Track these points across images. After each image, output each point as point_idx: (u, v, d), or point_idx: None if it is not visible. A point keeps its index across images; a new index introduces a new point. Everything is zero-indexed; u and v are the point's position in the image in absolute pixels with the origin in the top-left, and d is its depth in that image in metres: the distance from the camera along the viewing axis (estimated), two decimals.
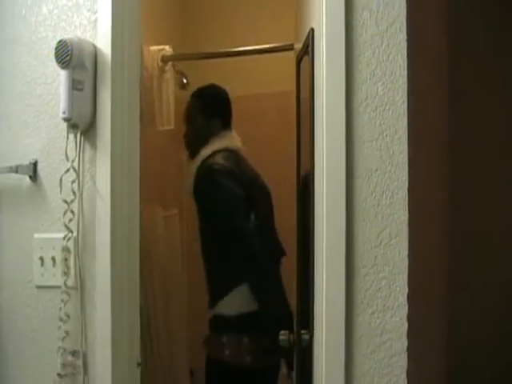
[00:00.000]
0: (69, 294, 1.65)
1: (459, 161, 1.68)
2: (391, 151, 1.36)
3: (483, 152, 1.75)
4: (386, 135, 1.37)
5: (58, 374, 1.65)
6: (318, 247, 1.41)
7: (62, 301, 1.65)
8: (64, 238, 1.65)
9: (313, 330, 1.47)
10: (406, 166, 1.35)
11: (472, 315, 1.68)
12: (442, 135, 1.60)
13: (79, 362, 1.65)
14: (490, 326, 1.62)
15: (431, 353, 1.47)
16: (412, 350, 1.32)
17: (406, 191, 1.35)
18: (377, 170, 1.37)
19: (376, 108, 1.38)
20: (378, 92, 1.38)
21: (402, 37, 1.38)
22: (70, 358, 1.64)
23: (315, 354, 1.46)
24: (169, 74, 2.69)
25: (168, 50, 2.68)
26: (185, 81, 2.86)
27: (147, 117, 2.37)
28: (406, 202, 1.35)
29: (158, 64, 2.60)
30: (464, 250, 1.60)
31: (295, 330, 1.63)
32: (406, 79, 1.37)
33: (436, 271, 1.52)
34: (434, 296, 1.48)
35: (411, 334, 1.33)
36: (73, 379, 1.65)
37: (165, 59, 2.65)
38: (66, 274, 1.65)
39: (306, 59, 1.61)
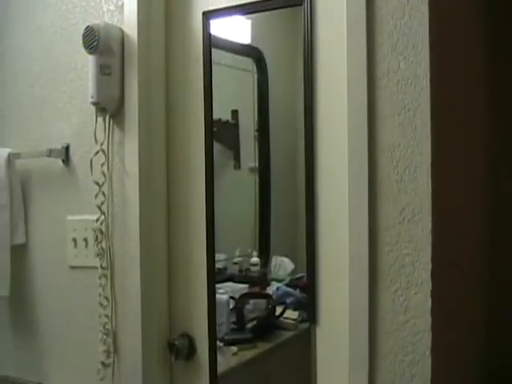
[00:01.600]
0: (106, 277, 1.69)
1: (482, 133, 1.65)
2: (414, 126, 1.33)
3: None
4: (409, 109, 1.34)
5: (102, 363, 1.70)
6: (341, 224, 1.40)
7: (101, 285, 1.69)
8: (97, 220, 1.69)
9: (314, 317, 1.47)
10: (429, 140, 1.32)
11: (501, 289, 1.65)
12: (466, 109, 1.57)
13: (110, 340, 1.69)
14: None
15: (455, 330, 1.44)
16: (436, 328, 1.30)
17: (429, 166, 1.32)
18: (399, 144, 1.34)
19: (398, 82, 1.35)
20: (399, 66, 1.35)
21: (424, 9, 1.34)
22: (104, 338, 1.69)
23: (320, 339, 1.47)
24: None
25: None
26: None
27: None
28: (429, 177, 1.32)
29: None
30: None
31: None
32: (428, 52, 1.33)
33: (461, 247, 1.49)
34: (459, 272, 1.46)
35: (435, 311, 1.30)
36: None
37: None
38: (99, 255, 1.69)
39: None
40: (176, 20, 1.70)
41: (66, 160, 1.78)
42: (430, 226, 1.31)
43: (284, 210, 1.97)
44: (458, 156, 1.50)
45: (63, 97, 1.80)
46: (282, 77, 1.95)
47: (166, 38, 1.72)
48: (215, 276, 1.67)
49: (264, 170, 1.92)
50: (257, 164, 1.93)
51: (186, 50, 1.68)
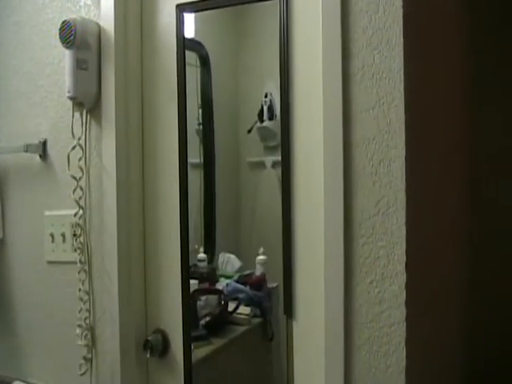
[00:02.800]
0: (86, 272, 1.69)
1: (455, 127, 1.67)
2: (388, 119, 1.35)
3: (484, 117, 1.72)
4: (383, 103, 1.35)
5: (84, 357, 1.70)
6: (316, 217, 1.41)
7: (80, 280, 1.69)
8: (75, 215, 1.69)
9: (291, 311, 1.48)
10: (403, 134, 1.34)
11: (472, 281, 1.67)
12: (444, 104, 1.59)
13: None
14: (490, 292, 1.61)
15: (429, 321, 1.46)
16: (411, 319, 1.32)
17: (404, 159, 1.33)
18: (374, 138, 1.36)
19: (373, 76, 1.36)
20: (374, 60, 1.36)
21: (398, 4, 1.36)
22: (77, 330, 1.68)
23: (296, 331, 1.48)
24: None
25: None
26: None
27: None
28: (404, 171, 1.33)
29: None
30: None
31: None
32: (402, 47, 1.35)
33: (433, 239, 1.51)
34: (431, 264, 1.48)
35: (409, 302, 1.32)
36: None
37: None
38: (80, 249, 1.69)
39: None
40: (151, 14, 1.70)
41: (44, 155, 1.77)
42: (404, 218, 1.33)
43: (229, 207, 1.98)
44: (433, 150, 1.52)
45: (40, 91, 1.79)
46: (225, 72, 1.96)
47: (142, 32, 1.72)
48: (189, 270, 1.67)
49: (208, 166, 1.93)
50: (201, 160, 1.93)
51: (161, 44, 1.69)
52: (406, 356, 1.31)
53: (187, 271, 1.66)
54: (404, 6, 1.35)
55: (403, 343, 1.32)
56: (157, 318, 1.70)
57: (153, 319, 1.71)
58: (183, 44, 1.64)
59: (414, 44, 1.38)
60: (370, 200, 1.36)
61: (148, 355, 1.65)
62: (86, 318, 1.69)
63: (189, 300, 1.67)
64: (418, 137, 1.39)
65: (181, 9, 1.63)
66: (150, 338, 1.66)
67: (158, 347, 1.67)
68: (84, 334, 1.69)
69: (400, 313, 1.33)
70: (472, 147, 1.69)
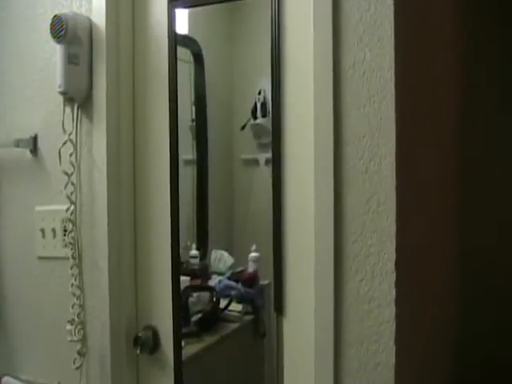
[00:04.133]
0: (78, 267, 1.69)
1: (445, 126, 1.67)
2: (379, 117, 1.34)
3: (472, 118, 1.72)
4: (374, 101, 1.35)
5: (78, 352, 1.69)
6: (306, 215, 1.41)
7: (73, 275, 1.68)
8: (67, 210, 1.68)
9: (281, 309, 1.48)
10: (394, 132, 1.33)
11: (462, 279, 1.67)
12: (429, 101, 1.58)
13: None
14: (479, 291, 1.61)
15: (419, 320, 1.46)
16: (400, 318, 1.32)
17: (394, 157, 1.33)
18: (364, 136, 1.35)
19: (364, 74, 1.36)
20: (365, 57, 1.36)
21: (389, 2, 1.35)
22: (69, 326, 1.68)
23: (287, 329, 1.48)
24: None
25: None
26: None
27: None
28: (394, 169, 1.33)
29: None
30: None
31: None
32: (393, 45, 1.34)
33: (423, 238, 1.51)
34: (421, 262, 1.48)
35: (399, 301, 1.32)
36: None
37: None
38: (71, 245, 1.68)
39: None
40: (143, 9, 1.69)
41: (34, 150, 1.77)
42: (394, 216, 1.32)
43: (222, 203, 1.98)
44: (425, 148, 1.51)
45: (33, 85, 1.78)
46: (219, 68, 1.97)
47: (134, 27, 1.71)
48: (181, 267, 1.67)
49: (201, 162, 1.93)
50: (194, 156, 1.93)
51: (153, 39, 1.68)
52: (396, 354, 1.31)
53: (178, 268, 1.65)
54: (395, 4, 1.35)
55: (392, 341, 1.32)
56: (148, 314, 1.70)
57: (143, 315, 1.71)
58: (175, 40, 1.63)
59: (406, 42, 1.37)
60: (360, 198, 1.36)
61: (138, 352, 1.65)
62: (78, 314, 1.68)
63: (180, 296, 1.67)
64: (408, 135, 1.39)
65: (173, 4, 1.62)
66: (140, 335, 1.66)
67: (149, 344, 1.67)
68: (77, 329, 1.68)
69: (390, 311, 1.32)
70: (464, 144, 1.69)
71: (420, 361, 1.48)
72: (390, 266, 1.33)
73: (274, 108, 1.47)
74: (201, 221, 1.96)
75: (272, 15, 1.46)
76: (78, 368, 1.68)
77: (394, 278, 1.32)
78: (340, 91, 1.37)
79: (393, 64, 1.34)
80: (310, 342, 1.40)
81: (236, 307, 1.86)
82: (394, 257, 1.32)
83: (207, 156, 1.93)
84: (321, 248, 1.38)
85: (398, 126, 1.33)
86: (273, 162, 1.48)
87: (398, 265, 1.32)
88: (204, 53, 1.89)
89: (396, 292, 1.32)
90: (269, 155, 1.51)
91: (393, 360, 1.31)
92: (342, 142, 1.37)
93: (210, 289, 1.90)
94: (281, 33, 1.46)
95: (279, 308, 1.48)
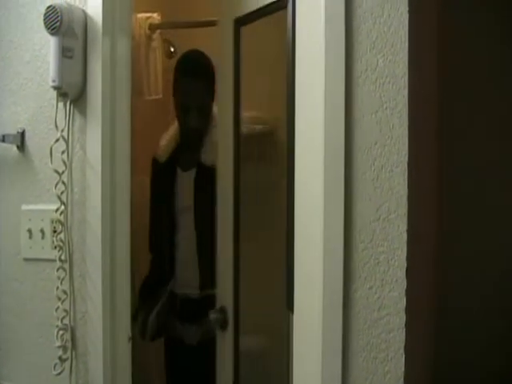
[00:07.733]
0: (65, 270, 1.62)
1: (458, 136, 1.67)
2: (391, 124, 1.34)
3: (481, 128, 1.73)
4: (386, 108, 1.34)
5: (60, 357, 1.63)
6: (316, 222, 1.39)
7: (59, 278, 1.62)
8: (56, 210, 1.61)
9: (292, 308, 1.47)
10: (406, 139, 1.33)
11: (466, 291, 1.69)
12: (441, 111, 1.59)
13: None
14: (485, 301, 1.63)
15: (429, 329, 1.47)
16: (410, 326, 1.32)
17: (406, 165, 1.33)
18: (376, 143, 1.35)
19: (376, 80, 1.35)
20: (378, 64, 1.35)
21: (403, 8, 1.34)
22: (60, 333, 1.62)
23: (297, 331, 1.46)
24: (156, 43, 2.63)
25: (156, 17, 2.62)
26: (172, 49, 2.80)
27: (135, 86, 2.32)
28: (406, 177, 1.33)
29: (145, 32, 2.54)
30: (462, 225, 1.59)
31: None
32: (406, 52, 1.34)
33: (434, 247, 1.52)
34: (432, 271, 1.48)
35: (409, 309, 1.32)
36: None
37: (152, 27, 2.59)
38: (60, 247, 1.61)
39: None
40: None
41: (21, 146, 1.69)
42: (405, 225, 1.32)
43: None
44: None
45: (19, 78, 1.69)
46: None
47: (130, 21, 1.66)
48: None
49: None
50: None
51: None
52: (405, 363, 1.32)
53: None
54: (409, 10, 1.34)
55: (402, 350, 1.32)
56: None
57: None
58: None
59: (420, 49, 1.36)
60: (370, 205, 1.35)
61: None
62: (63, 318, 1.62)
63: None
64: (420, 143, 1.38)
65: None
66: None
67: None
68: (61, 334, 1.62)
69: (399, 319, 1.32)
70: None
71: (430, 369, 1.48)
72: (401, 273, 1.33)
73: (289, 113, 1.45)
74: None
75: (289, 24, 1.45)
76: (58, 374, 1.61)
77: (405, 286, 1.32)
78: (352, 97, 1.36)
79: (406, 71, 1.33)
80: (317, 349, 1.38)
81: None
82: (404, 265, 1.32)
83: None
84: (330, 254, 1.36)
85: (411, 133, 1.32)
86: (287, 168, 1.45)
87: (409, 273, 1.32)
88: None
89: (406, 300, 1.32)
90: None
91: (402, 369, 1.32)
92: (353, 148, 1.36)
93: None
94: (294, 39, 1.43)
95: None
